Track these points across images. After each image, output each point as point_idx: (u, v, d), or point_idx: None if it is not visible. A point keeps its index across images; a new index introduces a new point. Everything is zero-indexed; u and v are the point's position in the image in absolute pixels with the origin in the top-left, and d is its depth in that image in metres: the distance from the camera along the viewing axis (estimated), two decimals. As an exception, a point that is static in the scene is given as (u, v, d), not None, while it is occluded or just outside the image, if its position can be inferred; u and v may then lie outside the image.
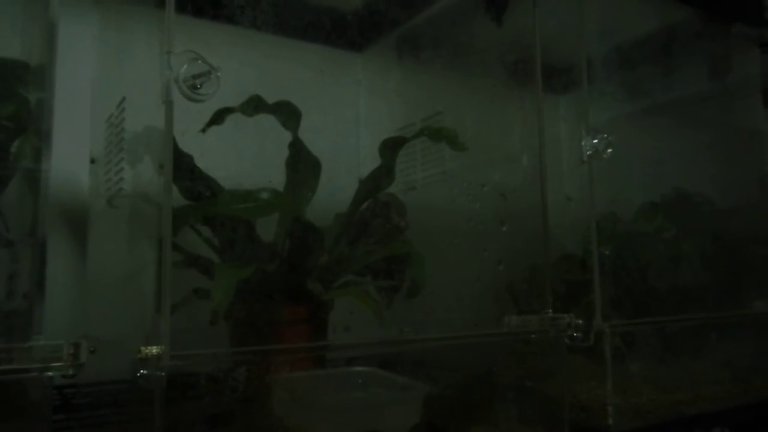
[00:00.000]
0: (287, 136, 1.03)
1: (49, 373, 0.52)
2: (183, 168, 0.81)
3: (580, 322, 0.88)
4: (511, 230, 0.89)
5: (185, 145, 0.90)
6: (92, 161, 1.00)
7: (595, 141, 0.95)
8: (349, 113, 1.29)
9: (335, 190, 1.06)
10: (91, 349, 0.90)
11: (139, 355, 0.60)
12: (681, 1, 1.17)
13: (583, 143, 0.94)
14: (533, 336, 0.83)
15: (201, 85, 0.62)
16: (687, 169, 1.40)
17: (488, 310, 0.89)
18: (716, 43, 1.40)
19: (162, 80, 0.61)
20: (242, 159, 1.04)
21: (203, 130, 0.97)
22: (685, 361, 1.14)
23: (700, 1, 1.20)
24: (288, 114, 1.03)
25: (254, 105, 1.00)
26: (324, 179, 1.06)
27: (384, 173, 0.96)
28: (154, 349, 0.59)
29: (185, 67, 0.61)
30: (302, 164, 1.03)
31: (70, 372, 0.53)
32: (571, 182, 1.10)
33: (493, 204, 0.92)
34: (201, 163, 0.92)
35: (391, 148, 0.96)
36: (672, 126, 1.44)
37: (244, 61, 1.16)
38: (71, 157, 1.01)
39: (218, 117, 0.97)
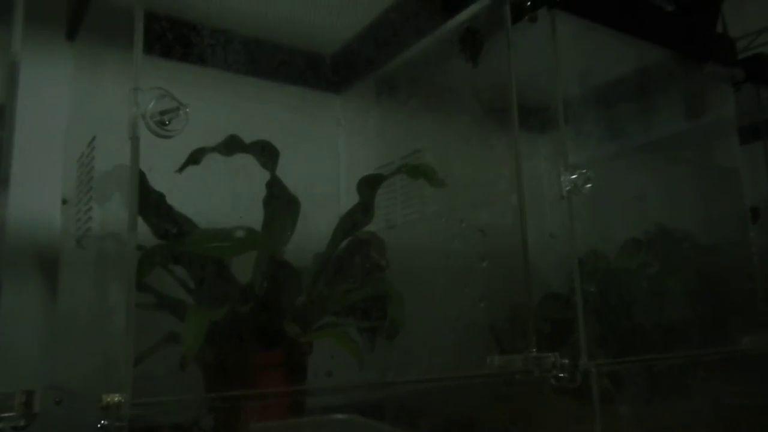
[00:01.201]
0: (264, 176, 1.02)
1: (-2, 425, 0.49)
2: (153, 206, 0.79)
3: (566, 361, 0.86)
4: (492, 267, 0.87)
5: (158, 185, 0.89)
6: (64, 202, 0.98)
7: (574, 176, 0.95)
8: (328, 153, 1.29)
9: (314, 230, 1.05)
10: (57, 399, 0.86)
11: (100, 404, 0.57)
12: (655, 42, 1.19)
13: (561, 179, 0.94)
14: (517, 376, 0.81)
15: (169, 121, 0.60)
16: (667, 206, 1.41)
17: (471, 351, 0.86)
18: (691, 83, 1.42)
19: (129, 116, 0.59)
20: (218, 198, 1.02)
21: (180, 171, 0.95)
22: (675, 400, 1.12)
23: (673, 42, 1.22)
24: (266, 153, 1.02)
25: (231, 145, 0.99)
26: (303, 219, 1.04)
27: (362, 210, 0.95)
28: (116, 397, 0.56)
29: (153, 103, 0.60)
30: (280, 203, 1.01)
31: (22, 423, 0.49)
32: (553, 220, 1.09)
33: (472, 241, 0.90)
34: (174, 202, 0.90)
35: (369, 185, 0.95)
36: (651, 163, 1.45)
37: (219, 103, 1.16)
38: (47, 198, 0.99)
39: (195, 157, 0.96)
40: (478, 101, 1.07)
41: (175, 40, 1.09)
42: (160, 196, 0.81)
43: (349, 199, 1.02)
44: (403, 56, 1.19)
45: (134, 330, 0.57)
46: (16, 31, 0.58)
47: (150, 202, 0.79)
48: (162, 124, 0.60)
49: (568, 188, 0.95)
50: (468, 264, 0.89)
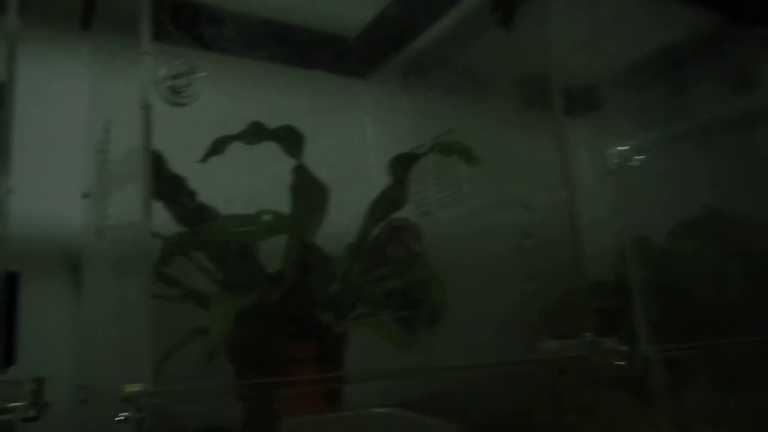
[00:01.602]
0: (290, 164, 0.97)
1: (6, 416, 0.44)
2: (174, 191, 0.75)
3: (624, 347, 0.78)
4: (539, 247, 0.80)
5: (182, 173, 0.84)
6: (85, 195, 0.94)
7: (622, 148, 0.88)
8: (357, 140, 1.23)
9: (346, 219, 0.99)
10: (83, 398, 0.82)
11: (120, 395, 0.52)
12: (700, 3, 1.10)
13: (608, 152, 0.87)
14: (572, 363, 0.73)
15: (183, 87, 0.55)
16: (715, 187, 1.31)
17: (519, 336, 0.79)
18: (741, 51, 1.33)
19: (139, 83, 0.54)
20: (242, 188, 0.98)
21: (203, 161, 0.91)
22: (746, 391, 1.02)
23: (720, 3, 1.13)
24: (291, 139, 0.97)
25: (255, 132, 0.95)
26: (333, 209, 0.99)
27: (395, 192, 0.89)
28: (136, 387, 0.51)
29: (164, 68, 0.55)
30: (308, 189, 0.96)
31: (31, 414, 0.44)
32: (591, 207, 1.01)
33: (515, 218, 0.83)
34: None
35: (401, 164, 0.89)
36: (698, 145, 1.36)
37: (241, 91, 1.12)
38: (69, 191, 0.96)
39: (218, 146, 0.92)
40: (513, 78, 1.01)
41: (193, 27, 1.05)
42: (181, 180, 0.76)
43: (380, 186, 0.96)
44: (431, 33, 1.13)
45: (153, 318, 0.51)
46: (12, 4, 0.54)
47: (171, 187, 0.74)
48: (175, 91, 0.55)
49: (616, 161, 0.87)
50: (512, 243, 0.82)
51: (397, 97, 1.23)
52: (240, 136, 0.93)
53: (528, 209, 0.81)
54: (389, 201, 0.89)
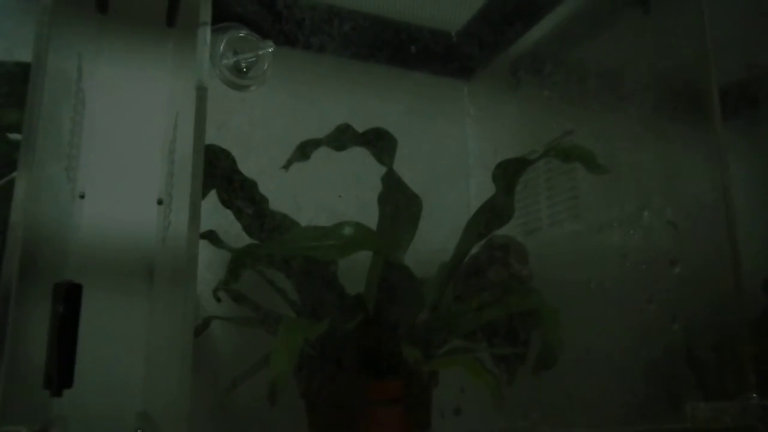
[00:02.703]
0: (379, 171, 0.86)
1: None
2: (244, 196, 0.65)
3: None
4: (686, 277, 0.63)
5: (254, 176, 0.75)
6: (159, 202, 0.87)
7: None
8: (456, 146, 1.10)
9: (440, 236, 0.86)
10: (138, 428, 0.74)
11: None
12: None
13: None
14: (734, 434, 0.56)
15: (248, 65, 0.45)
16: None
17: (658, 392, 0.62)
18: None
19: (196, 60, 0.44)
20: (324, 197, 0.87)
21: (285, 167, 0.82)
22: None
23: None
24: (382, 144, 0.85)
25: (344, 136, 0.84)
26: (426, 221, 0.86)
27: (499, 206, 0.75)
28: None
29: (225, 41, 0.44)
30: (399, 200, 0.84)
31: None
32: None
33: (658, 237, 0.66)
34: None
35: (509, 171, 0.75)
36: None
37: (332, 93, 1.02)
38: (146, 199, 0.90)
39: (304, 150, 0.82)
40: (653, 70, 0.83)
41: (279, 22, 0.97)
42: (252, 185, 0.66)
43: (480, 200, 0.83)
44: (547, 23, 0.98)
45: (192, 348, 0.41)
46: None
47: (241, 193, 0.64)
48: (238, 70, 0.44)
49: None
50: (652, 269, 0.65)
51: (503, 100, 1.08)
52: (327, 140, 0.83)
53: (675, 228, 0.64)
54: (493, 214, 0.75)
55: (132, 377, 0.84)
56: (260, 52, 0.45)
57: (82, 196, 0.80)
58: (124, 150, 0.90)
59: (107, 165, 0.88)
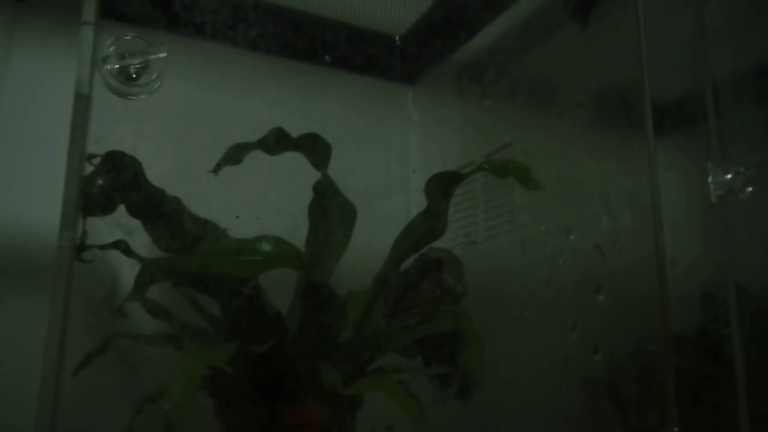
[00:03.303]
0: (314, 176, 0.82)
1: None
2: (150, 206, 0.60)
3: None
4: (611, 303, 0.61)
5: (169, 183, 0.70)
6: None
7: (729, 176, 0.68)
8: (398, 154, 1.07)
9: (379, 245, 0.83)
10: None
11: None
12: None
13: (710, 179, 0.67)
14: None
15: (137, 72, 0.41)
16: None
17: (581, 424, 0.60)
18: None
19: (78, 63, 0.40)
20: (250, 205, 0.83)
21: (214, 172, 0.77)
22: None
23: None
24: (316, 149, 0.82)
25: (277, 140, 0.80)
26: (363, 233, 0.83)
27: (432, 219, 0.72)
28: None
29: (112, 46, 0.40)
30: (331, 209, 0.81)
31: None
32: (676, 243, 0.81)
33: (584, 262, 0.65)
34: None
35: (442, 186, 0.72)
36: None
37: (269, 96, 0.98)
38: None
39: (234, 155, 0.77)
40: (587, 89, 0.82)
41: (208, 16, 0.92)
42: (161, 194, 0.62)
43: (421, 208, 0.80)
44: (492, 31, 0.95)
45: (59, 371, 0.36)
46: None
47: (147, 202, 0.60)
48: (127, 76, 0.40)
49: (719, 192, 0.68)
50: (577, 295, 0.63)
51: (449, 105, 1.06)
52: (260, 144, 0.79)
53: (602, 254, 0.62)
54: (424, 230, 0.72)
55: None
56: (151, 57, 0.40)
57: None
58: (34, 145, 0.84)
59: (14, 159, 0.82)
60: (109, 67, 0.40)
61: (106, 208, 0.59)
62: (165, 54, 0.42)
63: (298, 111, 0.97)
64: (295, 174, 0.82)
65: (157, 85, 0.42)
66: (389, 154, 1.07)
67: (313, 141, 0.82)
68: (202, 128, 0.87)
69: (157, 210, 0.60)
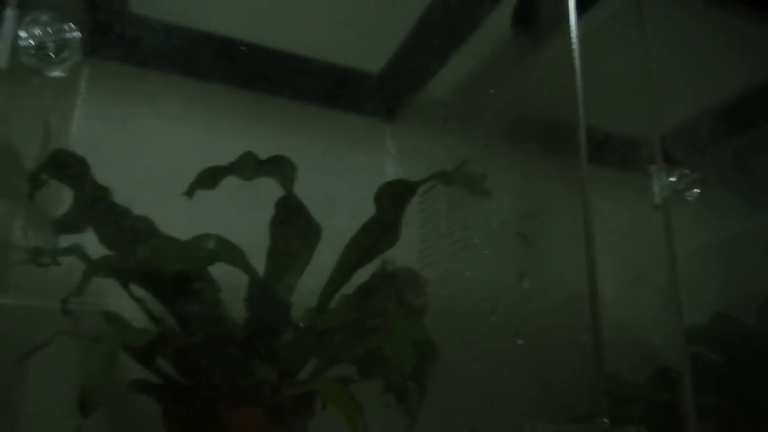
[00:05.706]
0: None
1: None
2: (98, 206, 0.63)
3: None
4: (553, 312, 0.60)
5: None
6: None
7: (673, 179, 0.68)
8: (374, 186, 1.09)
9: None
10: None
11: None
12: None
13: (655, 180, 0.67)
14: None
15: (57, 49, 0.44)
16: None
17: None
18: None
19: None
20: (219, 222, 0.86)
21: (189, 194, 0.80)
22: None
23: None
24: (282, 169, 0.85)
25: (250, 164, 0.83)
26: (329, 254, 0.84)
27: (381, 229, 0.73)
28: None
29: (29, 24, 0.44)
30: (294, 225, 0.83)
31: None
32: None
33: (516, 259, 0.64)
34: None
35: (391, 196, 0.74)
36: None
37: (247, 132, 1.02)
38: None
39: (207, 178, 0.81)
40: (539, 117, 0.83)
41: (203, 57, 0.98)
42: (105, 192, 0.65)
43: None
44: (457, 68, 0.99)
45: None
46: None
47: (94, 202, 0.63)
48: (44, 51, 0.44)
49: (665, 193, 0.67)
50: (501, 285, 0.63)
51: (424, 138, 1.08)
52: (232, 169, 0.83)
53: (524, 241, 0.62)
54: (373, 238, 0.73)
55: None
56: (66, 36, 0.44)
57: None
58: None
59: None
60: (27, 43, 0.44)
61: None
62: (79, 34, 0.45)
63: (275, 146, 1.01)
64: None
65: (72, 64, 0.45)
66: (365, 187, 1.10)
67: (279, 162, 0.85)
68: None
69: (103, 209, 0.63)
